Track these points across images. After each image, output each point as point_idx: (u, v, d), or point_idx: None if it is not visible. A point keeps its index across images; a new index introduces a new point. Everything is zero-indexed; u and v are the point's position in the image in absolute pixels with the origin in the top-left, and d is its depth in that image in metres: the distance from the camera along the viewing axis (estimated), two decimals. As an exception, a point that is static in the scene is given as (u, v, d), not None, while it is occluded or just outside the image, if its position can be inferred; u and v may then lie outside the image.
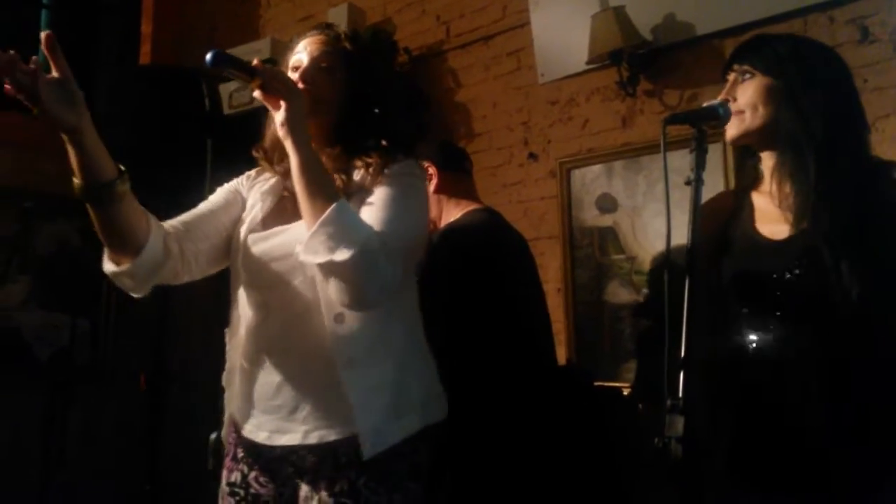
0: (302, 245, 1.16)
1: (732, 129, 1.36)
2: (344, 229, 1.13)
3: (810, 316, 1.26)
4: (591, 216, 2.70)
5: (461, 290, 1.73)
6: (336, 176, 1.31)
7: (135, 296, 1.33)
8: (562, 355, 2.55)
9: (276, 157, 1.42)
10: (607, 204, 2.67)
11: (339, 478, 1.25)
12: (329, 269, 1.14)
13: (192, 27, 4.03)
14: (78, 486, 2.79)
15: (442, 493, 1.34)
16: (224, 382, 1.44)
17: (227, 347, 1.43)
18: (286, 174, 1.33)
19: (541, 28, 2.84)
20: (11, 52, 1.06)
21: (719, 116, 1.25)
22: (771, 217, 1.35)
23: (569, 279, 2.70)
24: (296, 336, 1.30)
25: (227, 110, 3.43)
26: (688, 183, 1.17)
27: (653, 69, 2.58)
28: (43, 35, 1.07)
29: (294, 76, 1.34)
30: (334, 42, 1.39)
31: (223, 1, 4.07)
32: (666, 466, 1.02)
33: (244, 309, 1.38)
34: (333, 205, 1.15)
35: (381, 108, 1.38)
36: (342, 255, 1.11)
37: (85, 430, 2.91)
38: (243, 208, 1.44)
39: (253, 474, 1.34)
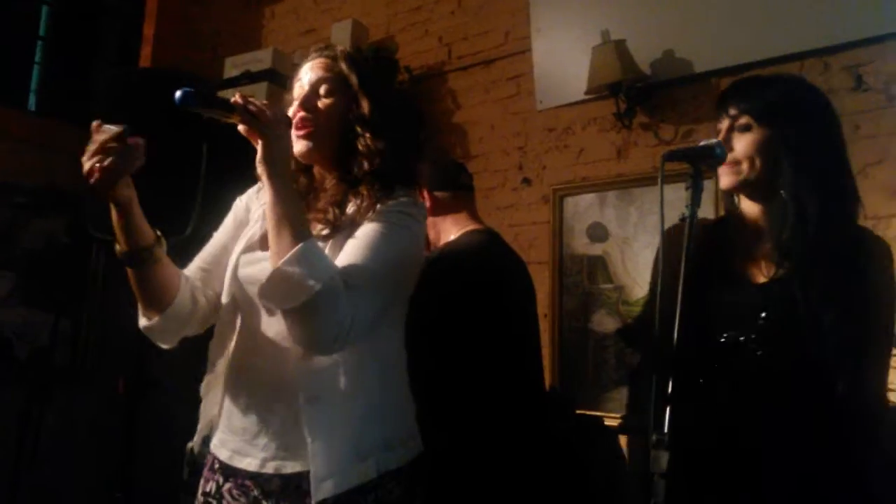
0: (262, 285, 1.15)
1: (728, 178, 1.40)
2: (302, 272, 1.10)
3: (782, 353, 1.32)
4: (581, 244, 2.71)
5: (451, 314, 1.72)
6: (329, 209, 1.31)
7: (164, 347, 1.41)
8: (545, 381, 2.55)
9: None
10: (598, 233, 2.68)
11: None
12: (284, 313, 1.15)
13: (195, 32, 4.03)
14: (48, 488, 2.74)
15: None
16: (202, 392, 1.43)
17: (210, 358, 1.42)
18: None
19: (542, 56, 2.87)
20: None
21: (716, 156, 1.27)
22: (754, 258, 1.40)
23: (556, 306, 2.70)
24: (268, 362, 1.30)
25: (224, 117, 3.43)
26: (682, 219, 1.18)
27: (649, 103, 2.62)
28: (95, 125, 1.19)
29: (295, 105, 1.35)
30: (333, 66, 1.37)
31: (227, 8, 4.08)
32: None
33: (227, 325, 1.39)
34: (298, 245, 1.12)
35: (378, 134, 1.35)
36: (292, 303, 1.10)
37: (60, 432, 2.86)
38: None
39: (227, 486, 1.34)
